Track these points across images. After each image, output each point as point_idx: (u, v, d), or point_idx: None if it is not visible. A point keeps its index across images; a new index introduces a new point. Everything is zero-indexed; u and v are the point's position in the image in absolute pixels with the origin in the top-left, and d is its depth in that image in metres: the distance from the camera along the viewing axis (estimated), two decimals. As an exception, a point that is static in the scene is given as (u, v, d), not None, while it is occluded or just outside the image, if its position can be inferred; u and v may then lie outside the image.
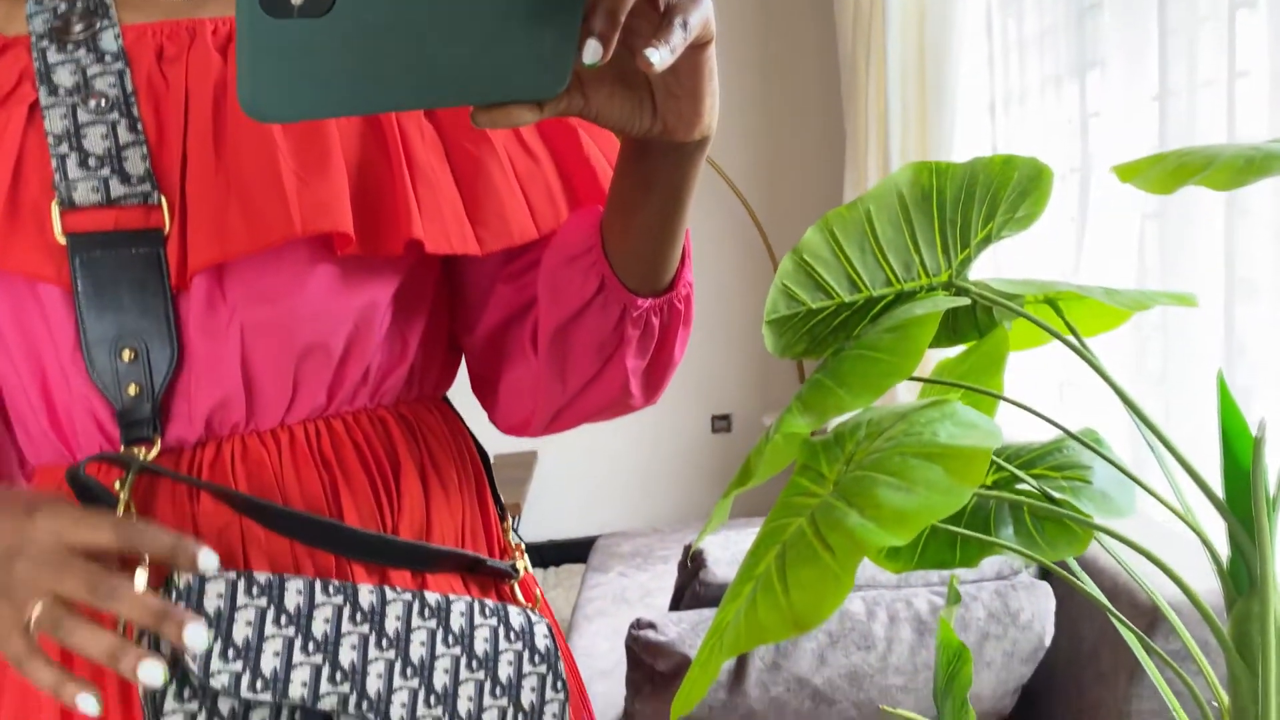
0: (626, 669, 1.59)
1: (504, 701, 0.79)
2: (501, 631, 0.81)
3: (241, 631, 0.70)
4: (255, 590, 0.71)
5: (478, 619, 0.80)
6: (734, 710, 1.51)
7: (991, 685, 1.56)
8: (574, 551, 4.04)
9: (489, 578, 0.87)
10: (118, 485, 0.72)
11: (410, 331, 0.84)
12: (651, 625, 1.58)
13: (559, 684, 0.82)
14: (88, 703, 0.63)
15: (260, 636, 0.70)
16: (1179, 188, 0.82)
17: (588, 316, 0.80)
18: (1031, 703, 1.75)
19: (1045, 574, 1.75)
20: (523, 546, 0.91)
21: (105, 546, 0.65)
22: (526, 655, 0.81)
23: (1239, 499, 0.60)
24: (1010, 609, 1.56)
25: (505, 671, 0.80)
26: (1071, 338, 0.73)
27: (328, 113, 0.58)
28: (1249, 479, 0.57)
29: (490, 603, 0.81)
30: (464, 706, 0.77)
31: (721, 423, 4.20)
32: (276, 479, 0.76)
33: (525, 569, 0.90)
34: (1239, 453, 0.59)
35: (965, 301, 0.70)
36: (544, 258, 0.83)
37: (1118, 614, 0.65)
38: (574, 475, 4.12)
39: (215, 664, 0.68)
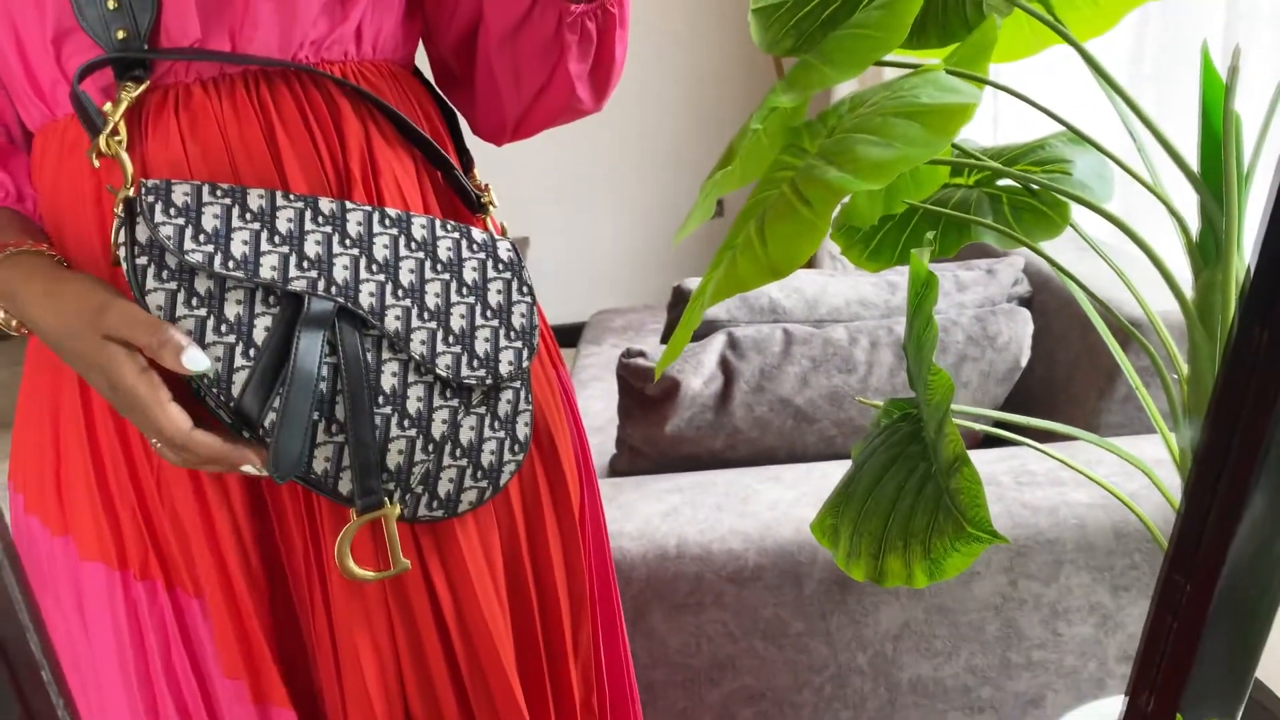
0: (618, 397, 1.65)
1: (471, 300, 0.84)
2: (464, 244, 0.86)
3: (210, 222, 0.76)
4: (219, 193, 0.77)
5: (439, 232, 0.85)
6: (720, 429, 1.57)
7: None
8: (567, 336, 4.08)
9: (452, 208, 0.92)
10: (108, 108, 0.77)
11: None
12: (641, 353, 1.63)
13: (524, 289, 0.88)
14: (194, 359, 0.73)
15: (228, 227, 0.76)
16: None
17: (528, 25, 0.89)
18: (1004, 424, 1.82)
19: (1026, 304, 1.79)
20: (490, 190, 0.95)
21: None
22: (490, 264, 0.86)
23: (1212, 171, 0.61)
24: (989, 332, 1.60)
25: (470, 276, 0.85)
26: (1062, 28, 0.72)
27: None
28: (1221, 148, 0.58)
29: (451, 222, 0.86)
30: (432, 301, 0.82)
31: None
32: (218, 123, 0.80)
33: (492, 205, 0.94)
34: (1214, 122, 0.59)
35: (954, -19, 0.69)
36: None
37: (1088, 289, 0.67)
38: (566, 260, 4.10)
39: (189, 244, 0.74)
